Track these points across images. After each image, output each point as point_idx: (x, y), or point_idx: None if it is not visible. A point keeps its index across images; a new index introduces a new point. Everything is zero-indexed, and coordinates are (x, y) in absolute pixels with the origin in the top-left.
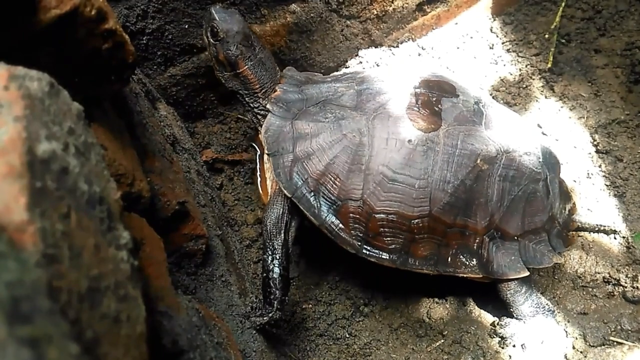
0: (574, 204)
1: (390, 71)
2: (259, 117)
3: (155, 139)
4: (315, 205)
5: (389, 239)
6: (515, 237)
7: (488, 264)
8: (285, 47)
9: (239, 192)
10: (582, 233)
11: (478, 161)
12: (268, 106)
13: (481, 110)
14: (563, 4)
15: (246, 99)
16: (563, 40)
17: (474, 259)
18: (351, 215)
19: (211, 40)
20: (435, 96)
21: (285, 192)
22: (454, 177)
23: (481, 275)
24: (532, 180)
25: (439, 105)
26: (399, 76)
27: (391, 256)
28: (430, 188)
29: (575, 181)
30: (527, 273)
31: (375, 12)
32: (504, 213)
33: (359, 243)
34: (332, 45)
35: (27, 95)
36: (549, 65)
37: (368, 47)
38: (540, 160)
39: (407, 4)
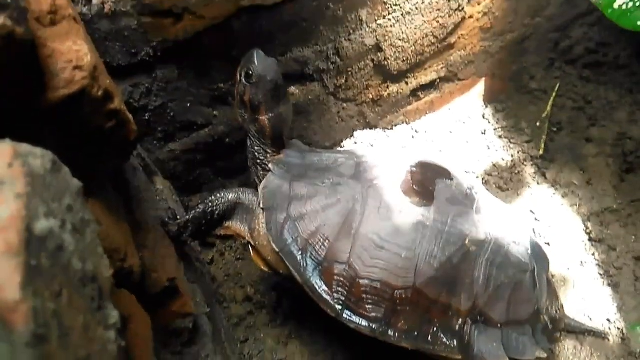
0: (561, 305)
1: (390, 151)
2: (260, 169)
3: (150, 213)
4: (302, 263)
5: (370, 306)
6: (499, 325)
7: (469, 347)
8: None
9: (229, 267)
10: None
11: (466, 242)
12: (270, 166)
13: (473, 195)
14: (554, 94)
15: (255, 146)
16: (554, 129)
17: (455, 340)
18: (336, 277)
19: (243, 79)
20: (430, 176)
21: (273, 245)
22: (441, 253)
23: (460, 357)
24: (519, 270)
25: (433, 185)
26: (398, 155)
27: (371, 325)
28: (417, 260)
29: (568, 269)
30: None
31: (371, 97)
32: (489, 298)
33: (340, 307)
34: (328, 126)
35: (29, 173)
36: (541, 152)
37: (363, 129)
38: (529, 252)
39: (401, 89)
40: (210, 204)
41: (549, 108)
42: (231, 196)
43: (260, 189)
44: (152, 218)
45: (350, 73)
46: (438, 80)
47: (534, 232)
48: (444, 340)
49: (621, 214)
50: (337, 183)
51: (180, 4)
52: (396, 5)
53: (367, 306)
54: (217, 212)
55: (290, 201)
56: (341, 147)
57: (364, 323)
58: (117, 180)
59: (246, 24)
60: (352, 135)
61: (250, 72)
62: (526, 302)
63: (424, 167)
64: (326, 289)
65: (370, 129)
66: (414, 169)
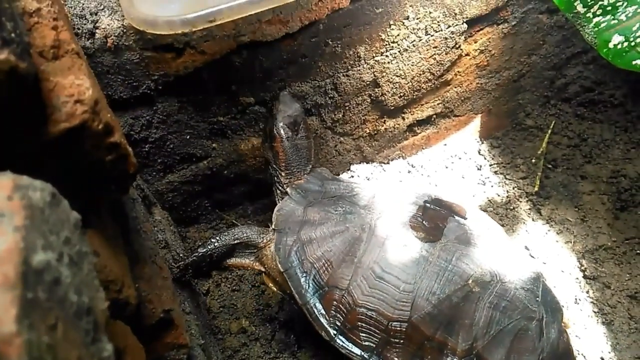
0: None
1: (408, 186)
2: (278, 192)
3: (147, 244)
4: (304, 285)
5: (364, 334)
6: None
7: None
8: None
9: (225, 299)
10: None
11: (469, 281)
12: (288, 190)
13: (486, 236)
14: (549, 131)
15: (270, 170)
16: (550, 166)
17: None
18: (334, 302)
19: (268, 112)
20: (443, 213)
21: (279, 266)
22: (441, 290)
23: None
24: (525, 317)
25: (444, 223)
26: (415, 190)
27: (363, 353)
28: (415, 294)
29: (563, 306)
30: None
31: (368, 131)
32: (489, 342)
33: (335, 332)
34: (325, 159)
35: (28, 206)
36: (536, 189)
37: (360, 163)
38: (539, 299)
39: (398, 124)
40: (209, 248)
41: (544, 145)
42: (228, 238)
43: (275, 211)
44: (150, 249)
45: (347, 108)
46: (434, 116)
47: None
48: None
49: (616, 252)
50: (348, 211)
51: (181, 39)
52: (394, 42)
53: (361, 334)
54: (215, 254)
55: (302, 225)
56: None
57: (356, 350)
58: (116, 211)
59: (246, 60)
60: (348, 169)
61: (272, 107)
62: (530, 351)
63: (439, 203)
64: (324, 312)
65: (367, 162)
66: (428, 204)
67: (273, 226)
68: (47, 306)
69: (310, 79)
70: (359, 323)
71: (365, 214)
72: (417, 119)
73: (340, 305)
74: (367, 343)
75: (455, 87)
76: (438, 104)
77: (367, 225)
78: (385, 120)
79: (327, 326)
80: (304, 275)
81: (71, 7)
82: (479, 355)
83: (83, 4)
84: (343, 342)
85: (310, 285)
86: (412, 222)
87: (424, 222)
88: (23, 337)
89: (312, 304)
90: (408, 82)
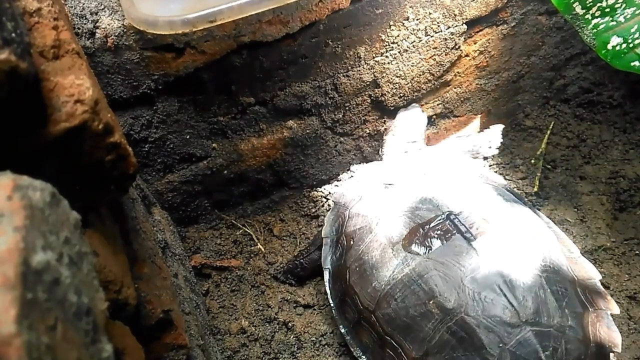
0: None
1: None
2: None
3: (147, 244)
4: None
5: (348, 309)
6: None
7: None
8: (281, 160)
9: (224, 299)
10: None
11: (430, 302)
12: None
13: (479, 266)
14: (549, 132)
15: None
16: (549, 166)
17: None
18: (339, 279)
19: None
20: (453, 230)
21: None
22: (401, 300)
23: None
24: (481, 358)
25: (447, 239)
26: (450, 197)
27: (344, 325)
28: (381, 293)
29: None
30: None
31: (368, 131)
32: (433, 358)
33: (335, 297)
34: (325, 159)
35: (28, 206)
36: (535, 190)
37: (360, 163)
38: (506, 346)
39: None
40: (298, 260)
41: (543, 146)
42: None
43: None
44: (150, 249)
45: (347, 108)
46: (434, 117)
47: None
48: None
49: (615, 252)
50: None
51: (181, 39)
52: (394, 43)
53: (347, 307)
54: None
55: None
56: (338, 180)
57: (342, 322)
58: (116, 211)
59: (246, 60)
60: (348, 169)
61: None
62: None
63: (460, 218)
64: (333, 280)
65: (367, 162)
66: (451, 216)
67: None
68: (46, 306)
69: (311, 79)
70: (347, 298)
71: (384, 211)
72: None
73: (340, 282)
74: (348, 315)
75: (455, 88)
76: (438, 105)
77: (379, 220)
78: (385, 121)
79: (329, 288)
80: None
81: (71, 7)
82: None
83: (83, 4)
84: (336, 307)
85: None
86: (414, 228)
87: (425, 231)
88: (23, 337)
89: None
90: (408, 83)
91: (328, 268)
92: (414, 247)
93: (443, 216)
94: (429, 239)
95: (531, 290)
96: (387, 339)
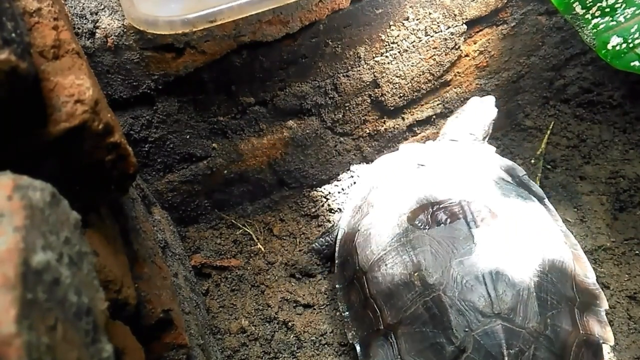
0: None
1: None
2: None
3: (147, 244)
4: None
5: (346, 265)
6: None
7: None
8: (281, 159)
9: (224, 299)
10: None
11: (415, 274)
12: None
13: (473, 247)
14: (548, 132)
15: None
16: (549, 166)
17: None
18: (350, 240)
19: None
20: (459, 215)
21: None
22: (390, 267)
23: None
24: (447, 338)
25: (450, 221)
26: (469, 187)
27: (339, 281)
28: (374, 258)
29: None
30: None
31: (368, 131)
32: (409, 332)
33: (339, 259)
34: (325, 159)
35: (28, 206)
36: None
37: (360, 163)
38: (471, 332)
39: (398, 124)
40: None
41: (543, 146)
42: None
43: None
44: (150, 249)
45: (347, 108)
46: (434, 116)
47: None
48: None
49: (615, 252)
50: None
51: (181, 39)
52: (394, 43)
53: (345, 265)
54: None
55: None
56: (338, 180)
57: (339, 279)
58: (116, 211)
59: (246, 60)
60: (348, 169)
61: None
62: None
63: (473, 205)
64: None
65: (367, 163)
66: (464, 202)
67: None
68: (46, 307)
69: (310, 79)
70: (349, 257)
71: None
72: (417, 119)
73: (348, 243)
74: (345, 273)
75: (455, 88)
76: (438, 105)
77: (399, 194)
78: (385, 121)
79: (338, 247)
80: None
81: (71, 7)
82: (396, 336)
83: (83, 4)
84: (338, 265)
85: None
86: (425, 205)
87: (433, 210)
88: (23, 338)
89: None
90: (408, 83)
91: (343, 229)
92: (417, 222)
93: (455, 201)
94: (434, 218)
95: (514, 287)
96: (371, 301)
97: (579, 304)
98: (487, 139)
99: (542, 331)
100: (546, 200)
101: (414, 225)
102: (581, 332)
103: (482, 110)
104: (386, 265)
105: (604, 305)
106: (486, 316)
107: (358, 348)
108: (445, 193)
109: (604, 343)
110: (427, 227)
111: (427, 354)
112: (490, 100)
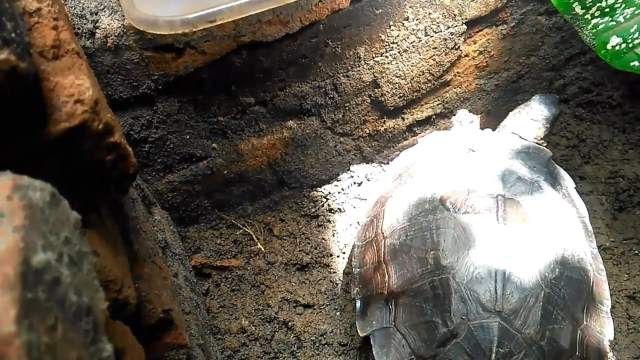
0: None
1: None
2: None
3: (147, 244)
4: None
5: (366, 229)
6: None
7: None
8: (281, 160)
9: (224, 298)
10: None
11: (431, 252)
12: None
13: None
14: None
15: None
16: None
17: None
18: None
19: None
20: (490, 204)
21: None
22: (405, 237)
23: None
24: (442, 311)
25: (484, 207)
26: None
27: (357, 239)
28: (389, 228)
29: None
30: None
31: (368, 131)
32: (409, 304)
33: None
34: (325, 159)
35: (28, 206)
36: None
37: (360, 163)
38: (458, 314)
39: (398, 125)
40: None
41: None
42: None
43: None
44: (150, 249)
45: (347, 108)
46: (434, 117)
47: None
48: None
49: (614, 252)
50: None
51: (181, 39)
52: (393, 43)
53: (366, 230)
54: None
55: None
56: (338, 180)
57: (357, 240)
58: (116, 211)
59: (246, 60)
60: (348, 169)
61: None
62: (426, 338)
63: (505, 198)
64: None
65: (367, 163)
66: (500, 196)
67: None
68: (46, 306)
69: (310, 79)
70: (374, 220)
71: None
72: (417, 119)
73: (379, 205)
74: (367, 233)
75: (455, 88)
76: (437, 105)
77: (441, 172)
78: (385, 121)
79: (369, 208)
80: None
81: (71, 7)
82: (396, 304)
83: (83, 4)
84: (363, 225)
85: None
86: (462, 190)
87: (468, 196)
88: (23, 337)
89: None
90: (408, 83)
91: (379, 191)
92: (449, 203)
93: (493, 194)
94: (466, 204)
95: (523, 292)
96: (383, 265)
97: (585, 327)
98: (544, 139)
99: (537, 340)
100: (586, 219)
101: (445, 206)
102: (577, 354)
103: (544, 108)
104: (407, 236)
105: (609, 335)
106: (486, 310)
107: (358, 304)
108: (485, 184)
109: None
110: (456, 211)
111: (420, 329)
112: (553, 98)
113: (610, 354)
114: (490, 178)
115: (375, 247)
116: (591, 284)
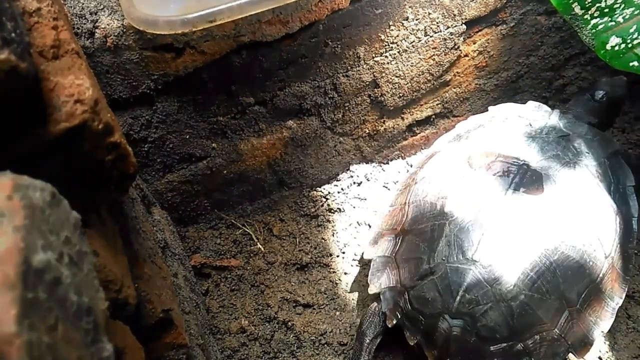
0: None
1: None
2: None
3: (147, 244)
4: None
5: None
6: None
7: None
8: (280, 159)
9: (224, 298)
10: None
11: (439, 200)
12: None
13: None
14: None
15: None
16: None
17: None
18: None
19: None
20: (531, 181)
21: None
22: (431, 181)
23: None
24: (455, 269)
25: (501, 174)
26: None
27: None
28: (425, 193)
29: None
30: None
31: (367, 131)
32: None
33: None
34: (325, 159)
35: (28, 206)
36: None
37: (359, 163)
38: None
39: (397, 125)
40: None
41: None
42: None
43: None
44: (150, 249)
45: (347, 108)
46: (433, 117)
47: None
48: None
49: None
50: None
51: (181, 39)
52: (393, 43)
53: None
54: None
55: None
56: (337, 180)
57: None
58: (116, 211)
59: (246, 60)
60: (348, 169)
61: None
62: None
63: (534, 174)
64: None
65: (366, 163)
66: (525, 171)
67: None
68: (47, 306)
69: (310, 79)
70: (407, 188)
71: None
72: (417, 119)
73: (416, 170)
74: (408, 180)
75: (454, 88)
76: (437, 105)
77: (487, 140)
78: (384, 121)
79: (406, 178)
80: None
81: (71, 7)
82: (402, 240)
83: (83, 4)
84: (398, 189)
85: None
86: (493, 152)
87: (495, 160)
88: (23, 337)
89: None
90: (407, 83)
91: (437, 147)
92: (474, 162)
93: (519, 162)
94: (488, 165)
95: (505, 252)
96: (406, 206)
97: (576, 311)
98: (610, 125)
99: (506, 299)
100: (634, 220)
101: (470, 164)
102: (555, 330)
103: (610, 91)
104: (429, 183)
105: (603, 327)
106: (465, 258)
107: (374, 235)
108: (519, 153)
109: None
110: (477, 169)
111: (410, 263)
112: (620, 80)
113: (609, 353)
114: (527, 149)
115: (407, 190)
116: (600, 275)
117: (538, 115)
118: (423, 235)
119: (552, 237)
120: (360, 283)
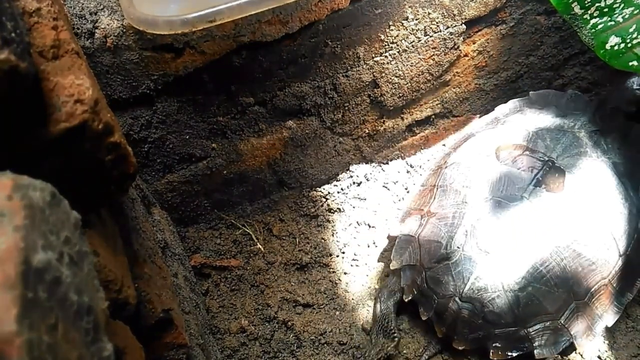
0: None
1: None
2: None
3: (147, 244)
4: None
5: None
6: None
7: None
8: (280, 159)
9: (224, 298)
10: None
11: (463, 187)
12: None
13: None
14: None
15: None
16: None
17: None
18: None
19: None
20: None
21: None
22: (458, 168)
23: None
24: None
25: (525, 169)
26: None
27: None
28: (459, 167)
29: None
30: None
31: (367, 131)
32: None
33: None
34: (324, 159)
35: (28, 205)
36: None
37: (359, 163)
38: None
39: (397, 125)
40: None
41: None
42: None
43: None
44: (149, 249)
45: (347, 108)
46: (433, 117)
47: None
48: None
49: None
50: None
51: (181, 39)
52: (393, 43)
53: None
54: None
55: None
56: (337, 180)
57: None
58: (116, 211)
59: (246, 60)
60: (348, 169)
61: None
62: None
63: (556, 169)
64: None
65: (366, 163)
66: (548, 166)
67: None
68: (47, 306)
69: (310, 79)
70: (438, 169)
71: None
72: (416, 119)
73: (448, 153)
74: (440, 161)
75: (454, 88)
76: (437, 105)
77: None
78: (384, 121)
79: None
80: None
81: (71, 7)
82: (427, 222)
83: (83, 4)
84: (431, 171)
85: None
86: (521, 145)
87: (522, 153)
88: (23, 336)
89: None
90: (407, 83)
91: (474, 132)
92: (501, 154)
93: (544, 158)
94: (515, 159)
95: (517, 246)
96: (434, 189)
97: (583, 304)
98: None
99: (514, 289)
100: None
101: (497, 156)
102: (559, 321)
103: None
104: (457, 170)
105: (607, 321)
106: (479, 248)
107: (402, 213)
108: (548, 148)
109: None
110: (503, 161)
111: (430, 244)
112: None
113: (608, 353)
114: (555, 144)
115: (437, 172)
116: (613, 272)
117: (574, 106)
118: (445, 220)
119: (566, 235)
120: (360, 283)
